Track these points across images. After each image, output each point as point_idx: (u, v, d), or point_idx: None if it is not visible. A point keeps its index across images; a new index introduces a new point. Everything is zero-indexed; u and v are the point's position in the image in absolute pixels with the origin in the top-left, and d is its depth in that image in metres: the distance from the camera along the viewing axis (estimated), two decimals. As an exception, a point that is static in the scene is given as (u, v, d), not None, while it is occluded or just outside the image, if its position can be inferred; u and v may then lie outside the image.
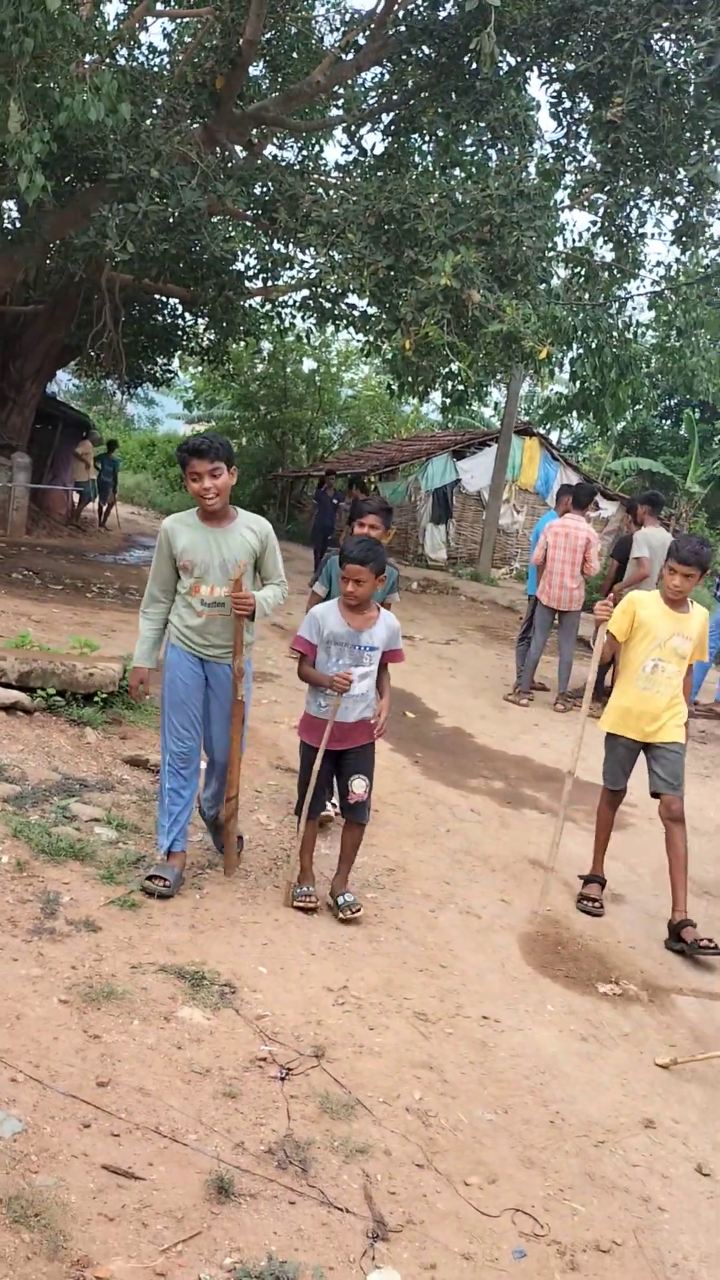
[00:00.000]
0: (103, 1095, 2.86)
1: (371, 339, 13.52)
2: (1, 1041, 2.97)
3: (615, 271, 12.64)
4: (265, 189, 11.84)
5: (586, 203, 12.51)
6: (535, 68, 11.92)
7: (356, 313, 13.72)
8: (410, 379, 12.88)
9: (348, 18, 14.09)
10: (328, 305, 13.83)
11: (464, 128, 12.05)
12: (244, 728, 4.42)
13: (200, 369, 25.13)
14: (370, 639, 4.42)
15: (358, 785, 4.49)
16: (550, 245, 12.14)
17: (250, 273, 14.91)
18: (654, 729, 5.15)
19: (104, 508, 21.43)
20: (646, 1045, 3.98)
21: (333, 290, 12.53)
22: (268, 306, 15.87)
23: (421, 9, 11.75)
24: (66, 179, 11.98)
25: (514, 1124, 3.28)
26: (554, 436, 29.56)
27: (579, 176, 12.46)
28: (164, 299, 17.33)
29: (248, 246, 14.59)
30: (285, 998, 3.67)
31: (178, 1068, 3.09)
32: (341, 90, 13.02)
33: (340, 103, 13.55)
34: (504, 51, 11.03)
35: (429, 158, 13.93)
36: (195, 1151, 2.74)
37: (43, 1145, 2.60)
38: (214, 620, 4.28)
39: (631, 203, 11.87)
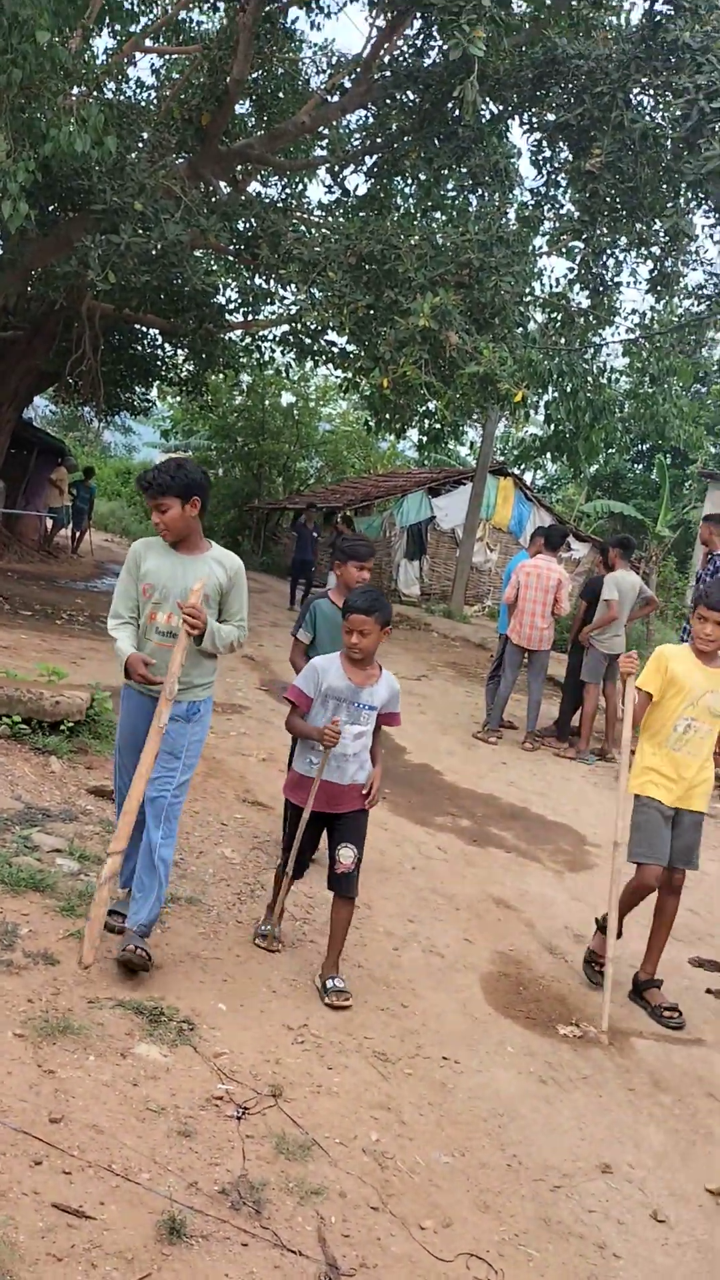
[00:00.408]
0: (55, 1132, 2.82)
1: (350, 376, 13.64)
2: (-46, 1075, 2.93)
3: (591, 318, 12.82)
4: (248, 225, 11.97)
5: (564, 250, 12.72)
6: (517, 117, 12.15)
7: (336, 349, 13.85)
8: (388, 416, 13.01)
9: (334, 61, 14.32)
10: (307, 341, 13.95)
11: (446, 172, 12.24)
12: (176, 776, 4.00)
13: (178, 399, 25.23)
14: (370, 697, 4.16)
15: (345, 855, 4.17)
16: (528, 290, 12.35)
17: (231, 306, 15.03)
18: (682, 794, 4.73)
19: (77, 534, 21.39)
20: (605, 1088, 3.97)
21: (313, 327, 12.64)
22: (248, 340, 15.99)
23: (407, 56, 11.96)
24: (50, 208, 12.05)
25: (470, 1167, 3.26)
26: (528, 477, 29.83)
27: (557, 224, 12.67)
28: (144, 329, 17.42)
29: (229, 281, 14.73)
30: (244, 1035, 3.64)
31: (133, 1105, 3.05)
32: (326, 131, 13.20)
33: (324, 143, 13.73)
34: (486, 100, 11.24)
35: (410, 200, 14.15)
36: (148, 1191, 2.70)
37: (-8, 1183, 2.56)
38: (168, 652, 3.91)
39: (608, 251, 12.06)
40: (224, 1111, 3.16)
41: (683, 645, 4.84)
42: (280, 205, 13.27)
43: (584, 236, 11.51)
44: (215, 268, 13.12)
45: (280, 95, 13.99)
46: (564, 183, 12.36)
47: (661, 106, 10.57)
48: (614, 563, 9.81)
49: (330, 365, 14.42)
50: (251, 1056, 3.51)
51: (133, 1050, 3.31)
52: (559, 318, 13.14)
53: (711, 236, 11.76)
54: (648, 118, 10.51)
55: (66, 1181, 2.65)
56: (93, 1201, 2.60)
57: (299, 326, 13.39)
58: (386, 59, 12.04)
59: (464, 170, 11.86)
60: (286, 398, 30.90)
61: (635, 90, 10.65)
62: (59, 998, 3.49)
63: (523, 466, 26.24)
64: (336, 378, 16.67)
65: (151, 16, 14.48)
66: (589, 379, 13.67)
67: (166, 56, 14.36)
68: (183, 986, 3.84)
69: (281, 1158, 3.02)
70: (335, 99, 12.59)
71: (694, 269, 12.75)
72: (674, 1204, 3.37)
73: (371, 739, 4.26)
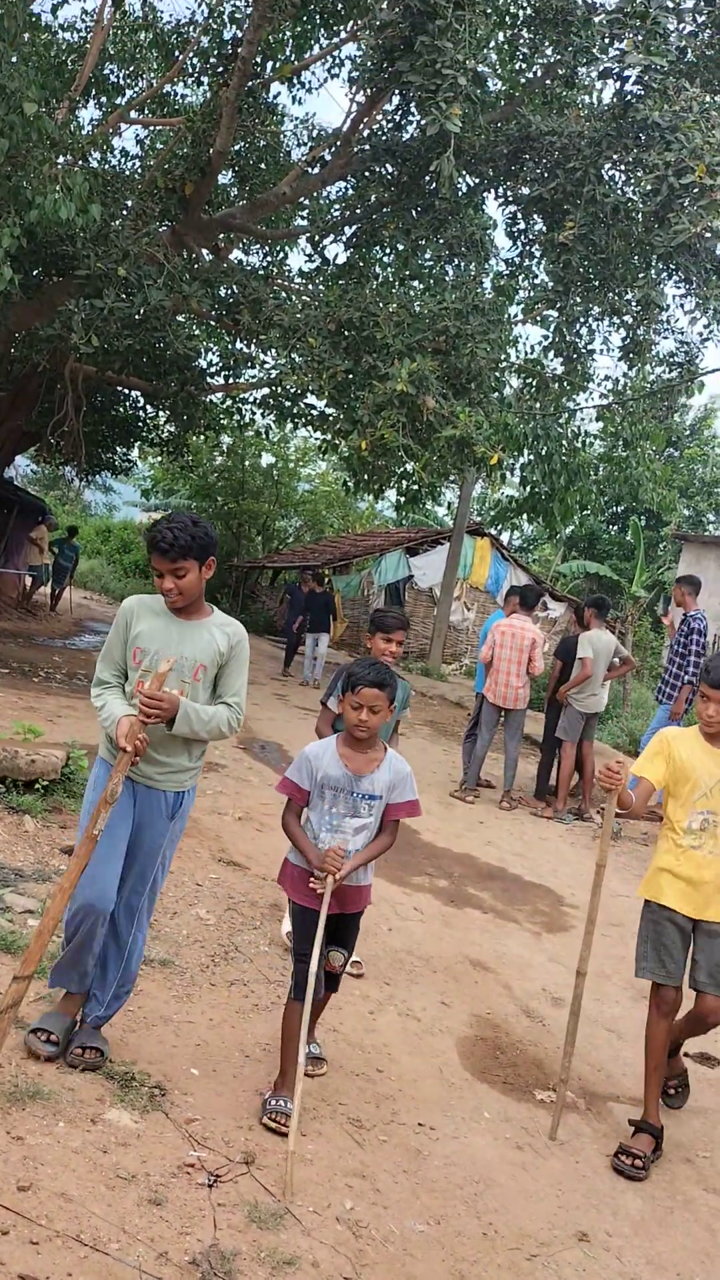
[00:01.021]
0: (23, 1200, 2.76)
1: (329, 438, 13.82)
2: None
3: (565, 384, 13.09)
4: (230, 291, 12.19)
5: (538, 318, 13.02)
6: (492, 190, 12.52)
7: (315, 412, 14.04)
8: (366, 477, 13.15)
9: (315, 134, 14.75)
10: (287, 404, 14.15)
11: (423, 243, 12.54)
12: (154, 877, 3.67)
13: (159, 459, 25.42)
14: (371, 785, 3.65)
15: (336, 958, 3.81)
16: (503, 357, 12.59)
17: (212, 370, 15.23)
18: (702, 902, 4.10)
19: (57, 592, 21.40)
20: (582, 1154, 3.93)
21: (292, 390, 12.84)
22: (228, 403, 16.19)
23: (386, 130, 12.32)
24: (35, 272, 12.25)
25: (446, 1235, 3.21)
26: (505, 537, 30.17)
27: (532, 293, 12.99)
28: (126, 391, 17.61)
29: (211, 345, 14.97)
30: (217, 1101, 3.59)
31: (102, 1172, 2.99)
32: (307, 201, 13.54)
33: (305, 213, 14.08)
34: (463, 174, 11.59)
35: (389, 269, 14.46)
36: (117, 1261, 2.65)
37: (-43, 1254, 2.51)
38: (152, 730, 3.43)
39: (581, 320, 12.35)
40: (195, 1179, 3.11)
41: (690, 729, 4.29)
42: (261, 273, 13.55)
43: (558, 305, 11.79)
44: (197, 332, 13.35)
45: (262, 166, 14.34)
46: (538, 254, 12.70)
47: (632, 182, 10.91)
48: (589, 622, 9.92)
49: (310, 427, 14.61)
50: (224, 1123, 3.46)
51: (103, 1116, 3.26)
52: (534, 383, 13.40)
53: (682, 306, 12.07)
54: (619, 192, 10.86)
55: (34, 1252, 2.59)
56: (60, 1272, 2.55)
57: (279, 390, 13.60)
58: (366, 133, 12.40)
59: (441, 241, 12.17)
60: (266, 458, 31.22)
61: (607, 166, 11.00)
62: (28, 1062, 3.43)
63: (499, 527, 26.52)
64: (316, 439, 16.85)
65: (137, 89, 14.88)
66: (563, 443, 13.90)
67: (151, 128, 14.74)
68: (155, 1051, 3.79)
69: (254, 1226, 2.96)
70: (316, 171, 12.93)
71: (665, 337, 13.06)
72: (651, 1273, 3.32)
73: (380, 831, 3.75)
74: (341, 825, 3.66)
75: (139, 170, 14.08)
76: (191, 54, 13.50)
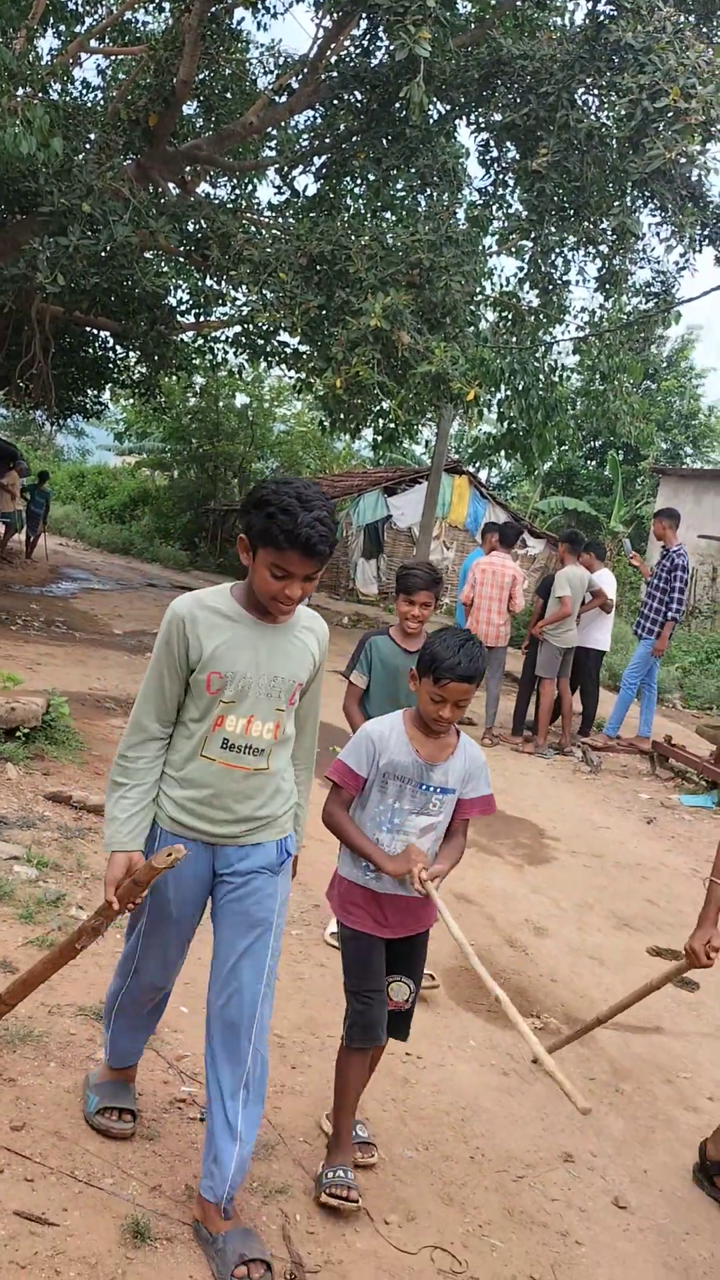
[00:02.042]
0: (17, 1140, 2.80)
1: (303, 376, 13.65)
2: None
3: (541, 316, 12.92)
4: (198, 226, 11.92)
5: (513, 249, 12.82)
6: (464, 117, 12.22)
7: (288, 350, 13.84)
8: (342, 416, 13.03)
9: (281, 61, 14.30)
10: (260, 342, 13.92)
11: (394, 173, 12.28)
12: (266, 963, 2.72)
13: (131, 401, 25.06)
14: (445, 777, 2.99)
15: (399, 992, 3.15)
16: (478, 290, 12.42)
17: (182, 308, 14.96)
18: None
19: (31, 539, 21.20)
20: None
21: (264, 328, 12.62)
22: (200, 342, 15.92)
23: (354, 56, 11.99)
24: (-3, 211, 11.94)
25: (434, 1161, 3.29)
26: (483, 475, 29.98)
27: (506, 223, 12.76)
28: (95, 331, 17.27)
29: (180, 282, 14.67)
30: (206, 1037, 3.63)
31: (95, 1110, 3.04)
32: (274, 132, 13.18)
33: (273, 144, 13.71)
34: (434, 100, 11.30)
35: (360, 201, 14.16)
36: (111, 1196, 2.69)
37: (-47, 1193, 2.55)
38: (240, 777, 2.63)
39: (556, 250, 12.17)
40: (187, 1114, 3.16)
41: None
42: (230, 206, 13.23)
43: (532, 235, 11.60)
44: (165, 269, 13.05)
45: (228, 96, 13.94)
46: (512, 182, 12.46)
47: (606, 106, 10.69)
48: (564, 558, 9.93)
49: (283, 366, 14.40)
50: (214, 1058, 3.51)
51: (94, 1056, 3.30)
52: (509, 316, 13.23)
53: (658, 235, 11.89)
54: (592, 117, 10.62)
55: (29, 1189, 2.64)
56: (55, 1208, 2.60)
57: (251, 328, 13.36)
58: (334, 59, 12.06)
59: (412, 170, 11.91)
60: (240, 399, 30.80)
61: (580, 90, 10.76)
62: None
63: (477, 465, 26.38)
64: (290, 378, 16.66)
65: (97, 17, 14.37)
66: (540, 377, 13.78)
67: (112, 57, 14.27)
68: (144, 991, 3.82)
69: (245, 1158, 3.02)
70: (283, 100, 12.58)
71: (641, 267, 12.89)
72: (635, 1190, 3.42)
73: (450, 832, 3.10)
74: (405, 825, 2.99)
75: (101, 102, 13.67)
76: (152, -22, 13.05)
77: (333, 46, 11.97)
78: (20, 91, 10.15)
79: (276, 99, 12.68)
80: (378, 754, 2.99)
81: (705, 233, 11.37)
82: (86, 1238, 2.52)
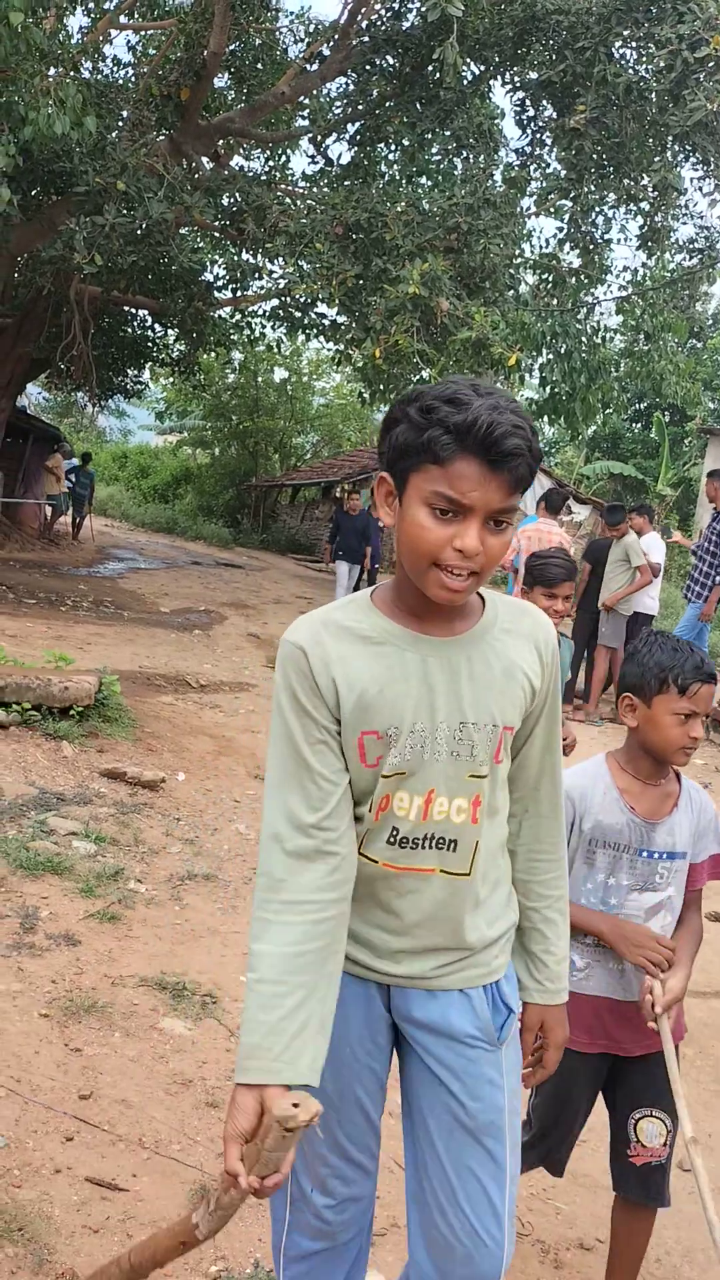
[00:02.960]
0: (85, 1108, 2.85)
1: (342, 348, 13.56)
2: (-18, 1057, 2.97)
3: (582, 277, 12.74)
4: (232, 200, 11.87)
5: (552, 209, 12.62)
6: (499, 76, 12.03)
7: (326, 321, 13.77)
8: (381, 387, 12.94)
9: (312, 29, 14.16)
10: (297, 314, 13.87)
11: (429, 137, 12.13)
12: (505, 1188, 1.73)
13: (171, 380, 25.12)
14: (671, 837, 2.30)
15: (650, 1132, 2.37)
16: (517, 252, 12.26)
17: (219, 283, 14.91)
18: None
19: (78, 520, 21.39)
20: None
21: (302, 299, 12.56)
22: (237, 317, 15.88)
23: (385, 19, 11.83)
24: (33, 192, 11.96)
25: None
26: (526, 441, 29.61)
27: (544, 183, 12.56)
28: (133, 311, 17.32)
29: (216, 257, 14.62)
30: (267, 1006, 3.67)
31: (160, 1079, 3.08)
32: (307, 101, 13.07)
33: (306, 113, 13.59)
34: (467, 61, 11.12)
35: (395, 167, 14.02)
36: (178, 1163, 2.74)
37: (25, 1160, 2.60)
38: (421, 883, 1.67)
39: (597, 209, 11.98)
40: (251, 1081, 3.20)
41: None
42: (264, 178, 13.18)
43: (572, 195, 11.43)
44: (201, 245, 13.05)
45: (259, 66, 13.83)
46: (549, 141, 12.25)
47: (644, 59, 10.45)
48: (604, 531, 9.86)
49: (321, 338, 14.34)
50: (275, 1027, 3.54)
51: (158, 1026, 3.35)
52: (550, 278, 13.06)
53: (700, 189, 11.65)
54: (631, 71, 10.40)
55: (98, 1156, 2.68)
56: (125, 1174, 2.64)
57: (288, 300, 13.31)
58: (364, 24, 11.91)
59: (448, 133, 11.77)
60: (279, 373, 30.77)
61: (617, 44, 10.54)
62: (82, 977, 3.52)
63: (520, 431, 26.12)
64: (328, 350, 16.57)
65: (125, -8, 14.31)
66: (583, 339, 13.58)
67: (142, 33, 14.21)
68: (204, 961, 3.87)
69: (309, 1124, 3.05)
70: (314, 67, 12.46)
71: (684, 223, 12.64)
72: (698, 1151, 3.40)
73: (682, 910, 2.37)
74: (626, 905, 2.30)
75: (132, 78, 13.62)
76: (178, -51, 12.96)
77: (363, 11, 11.82)
78: (52, 71, 10.15)
79: (308, 67, 12.56)
80: (578, 815, 2.28)
81: (750, 185, 11.12)
82: (156, 1203, 2.56)
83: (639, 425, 31.22)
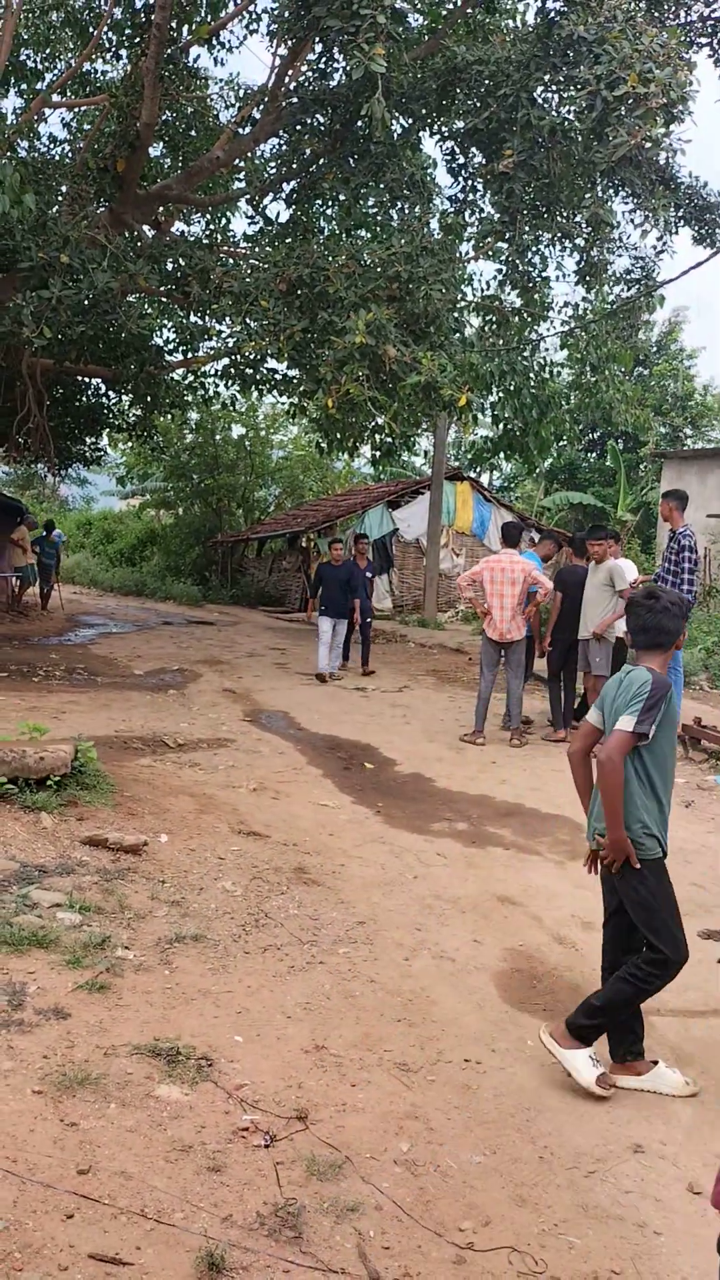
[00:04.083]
0: (84, 1183, 2.81)
1: (295, 400, 13.73)
2: (-24, 1140, 2.91)
3: (525, 315, 12.96)
4: (176, 265, 12.04)
5: (490, 252, 12.87)
6: (427, 128, 12.32)
7: (278, 376, 13.94)
8: (338, 435, 13.09)
9: (241, 93, 14.48)
10: (249, 371, 14.03)
11: (364, 190, 12.37)
12: None
13: (129, 444, 25.27)
14: None
15: None
16: (459, 296, 12.47)
17: (169, 347, 15.09)
18: None
19: (45, 590, 21.35)
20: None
21: (252, 356, 12.72)
22: (190, 378, 16.05)
23: (312, 80, 12.10)
24: (-23, 272, 12.07)
25: (503, 1164, 3.27)
26: (485, 479, 30.01)
27: (480, 227, 12.82)
28: (86, 380, 17.44)
29: (164, 322, 14.79)
30: (264, 1064, 3.63)
31: (159, 1147, 3.04)
32: (242, 163, 13.31)
33: (241, 175, 13.85)
34: (395, 114, 11.38)
35: (333, 222, 14.28)
36: (183, 1230, 2.69)
37: (25, 1241, 2.55)
38: None
39: (533, 248, 12.22)
40: (252, 1142, 3.16)
41: None
42: (205, 242, 13.36)
43: (507, 236, 11.65)
44: (149, 311, 13.19)
45: (192, 133, 14.11)
46: (481, 187, 12.52)
47: (565, 101, 10.74)
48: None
49: (274, 392, 14.50)
50: (273, 1084, 3.51)
51: (154, 1093, 3.31)
52: (494, 319, 13.28)
53: (632, 221, 11.93)
54: (554, 113, 10.67)
55: (100, 1231, 2.64)
56: (129, 1247, 2.60)
57: (238, 358, 13.48)
58: (292, 85, 12.18)
59: (381, 186, 12.00)
60: (236, 430, 31.01)
61: (538, 88, 10.81)
62: (74, 1050, 3.48)
63: (478, 469, 26.45)
64: (283, 404, 16.75)
65: (56, 72, 14.61)
66: (530, 375, 13.81)
67: (76, 109, 14.47)
68: (197, 1024, 3.83)
69: (314, 1179, 3.02)
70: (247, 131, 12.71)
71: (619, 255, 12.93)
72: (709, 1174, 3.37)
73: None
74: None
75: (69, 154, 13.85)
76: (106, 28, 13.23)
77: (290, 73, 12.10)
78: (-12, 153, 10.31)
79: (240, 131, 12.81)
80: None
81: (679, 213, 11.40)
82: (161, 1274, 2.52)
83: (594, 454, 31.65)
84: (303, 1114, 3.34)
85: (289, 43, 11.51)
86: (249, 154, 13.10)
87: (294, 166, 12.70)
